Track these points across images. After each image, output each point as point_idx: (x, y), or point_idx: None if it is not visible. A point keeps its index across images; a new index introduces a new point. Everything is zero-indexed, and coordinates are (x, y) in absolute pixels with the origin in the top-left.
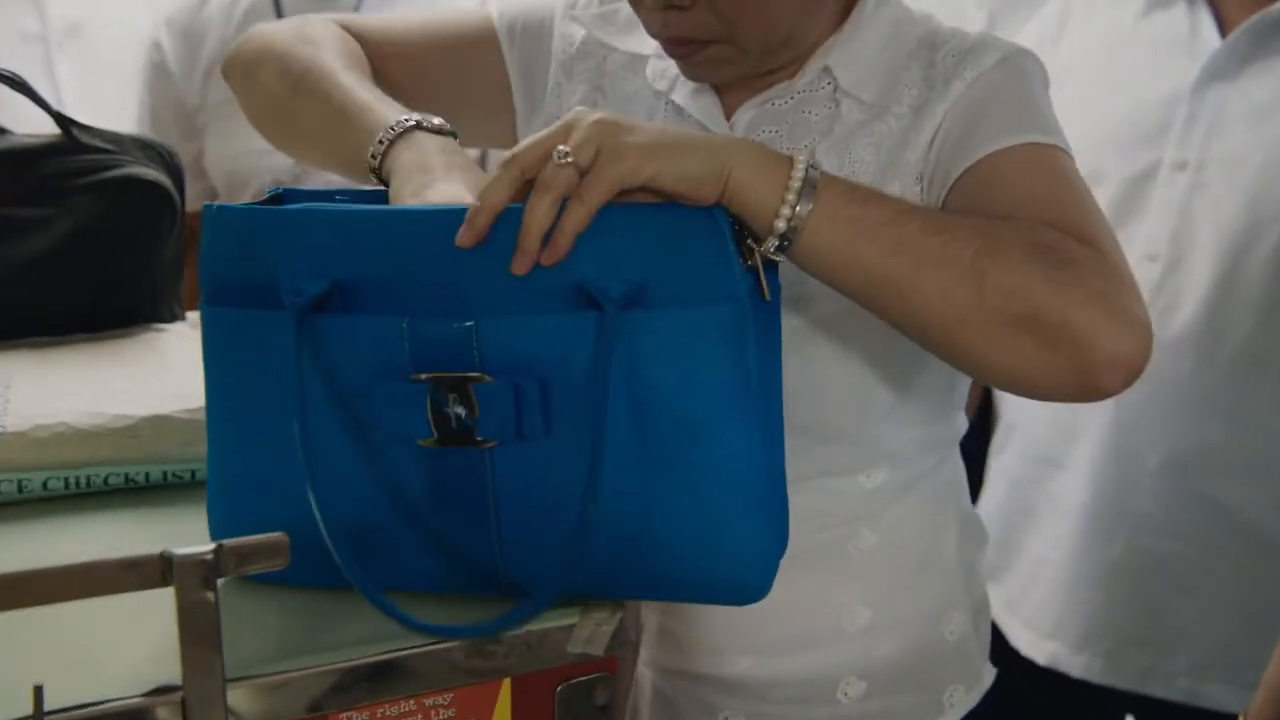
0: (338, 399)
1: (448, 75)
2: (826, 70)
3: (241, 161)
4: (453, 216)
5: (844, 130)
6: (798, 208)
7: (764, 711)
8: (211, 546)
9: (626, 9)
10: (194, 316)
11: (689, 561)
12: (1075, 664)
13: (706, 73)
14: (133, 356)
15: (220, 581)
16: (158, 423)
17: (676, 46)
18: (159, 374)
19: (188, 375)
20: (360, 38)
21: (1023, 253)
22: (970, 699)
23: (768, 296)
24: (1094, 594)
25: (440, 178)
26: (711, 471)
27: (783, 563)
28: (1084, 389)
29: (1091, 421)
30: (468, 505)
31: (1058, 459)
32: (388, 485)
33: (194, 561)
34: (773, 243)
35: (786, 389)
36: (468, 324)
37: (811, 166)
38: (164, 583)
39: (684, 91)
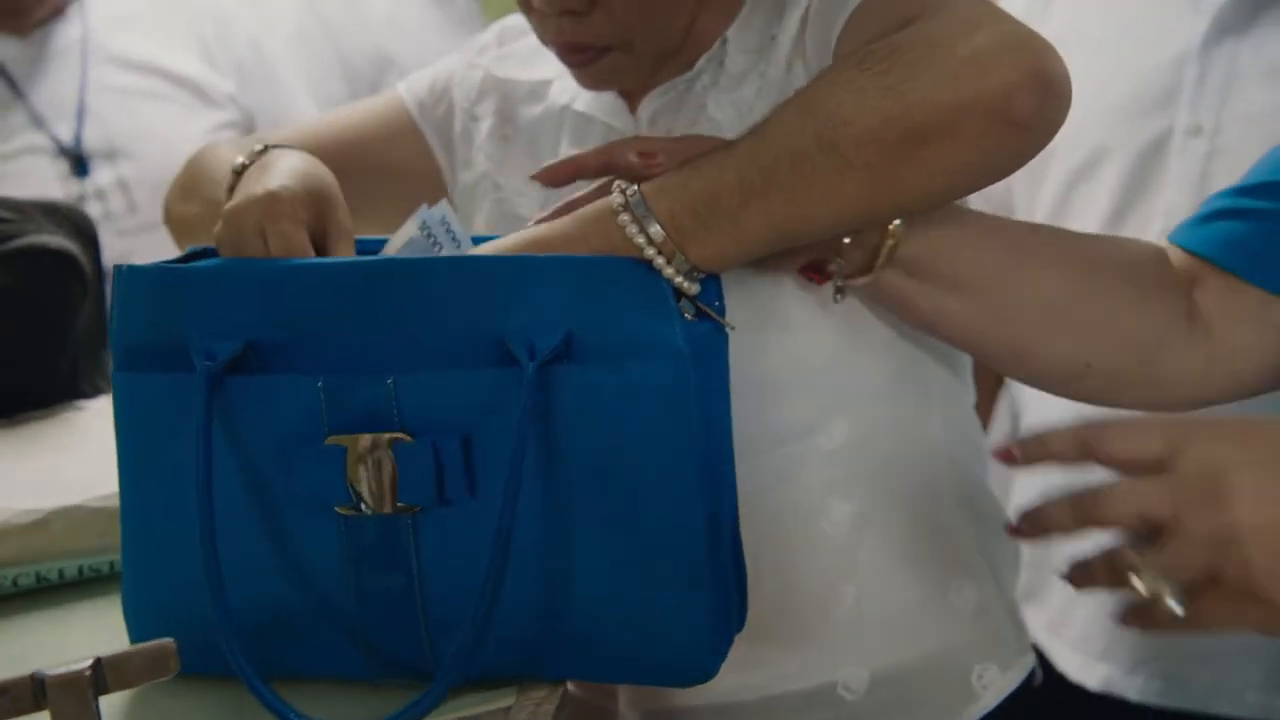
0: (251, 467)
1: (372, 165)
2: (719, 59)
3: None
4: (371, 269)
5: (729, 79)
6: (651, 234)
7: None
8: (88, 662)
9: (529, 41)
10: None
11: (626, 638)
12: (1132, 686)
13: (603, 80)
14: (46, 441)
15: (114, 695)
16: (69, 514)
17: (572, 54)
18: (74, 459)
19: (106, 458)
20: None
21: (850, 91)
22: (1009, 680)
23: (730, 324)
24: None
25: (271, 165)
26: (650, 538)
27: (748, 555)
28: (1013, 133)
29: (1129, 418)
30: (390, 579)
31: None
32: (305, 561)
33: (69, 681)
34: (685, 284)
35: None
36: (387, 381)
37: (625, 192)
38: (36, 707)
39: (586, 99)
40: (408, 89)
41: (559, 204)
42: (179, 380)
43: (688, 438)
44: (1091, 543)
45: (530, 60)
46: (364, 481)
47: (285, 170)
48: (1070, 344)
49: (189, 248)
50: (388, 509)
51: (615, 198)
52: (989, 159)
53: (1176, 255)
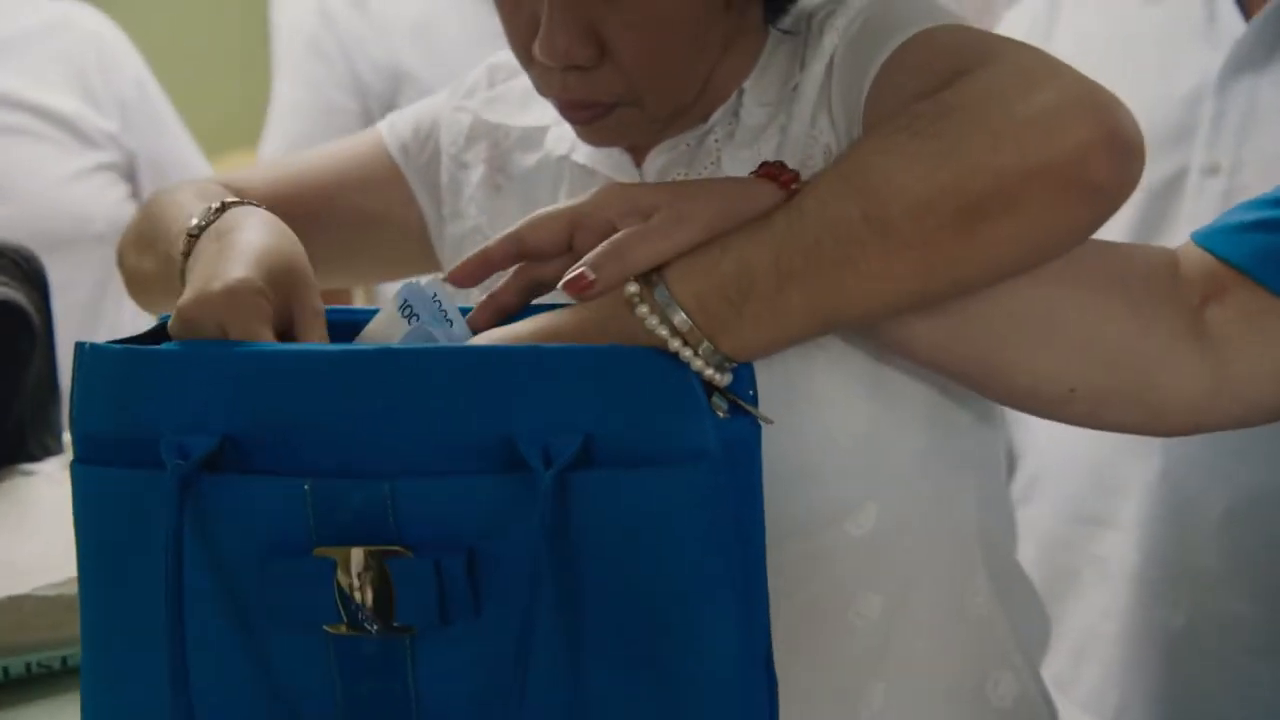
0: (227, 579)
1: (350, 213)
2: (734, 110)
3: None
4: (366, 358)
5: (746, 133)
6: (676, 324)
7: None
8: None
9: (520, 84)
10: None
11: None
12: None
13: (609, 137)
14: None
15: None
16: (16, 605)
17: (576, 111)
18: (21, 535)
19: (58, 534)
20: (243, 192)
21: (900, 158)
22: None
23: (768, 419)
24: (1159, 668)
25: (229, 242)
26: (676, 671)
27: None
28: (1086, 200)
29: (1137, 472)
30: (383, 707)
31: (1100, 516)
32: (287, 685)
33: None
34: (716, 376)
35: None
36: (382, 487)
37: (643, 280)
38: None
39: (586, 150)
40: (390, 130)
41: (485, 297)
42: (147, 477)
43: (721, 554)
44: (1111, 603)
45: (524, 103)
46: (356, 599)
47: (245, 251)
48: (1050, 363)
49: (160, 316)
50: (383, 630)
51: (630, 287)
52: (1059, 230)
53: (1197, 260)
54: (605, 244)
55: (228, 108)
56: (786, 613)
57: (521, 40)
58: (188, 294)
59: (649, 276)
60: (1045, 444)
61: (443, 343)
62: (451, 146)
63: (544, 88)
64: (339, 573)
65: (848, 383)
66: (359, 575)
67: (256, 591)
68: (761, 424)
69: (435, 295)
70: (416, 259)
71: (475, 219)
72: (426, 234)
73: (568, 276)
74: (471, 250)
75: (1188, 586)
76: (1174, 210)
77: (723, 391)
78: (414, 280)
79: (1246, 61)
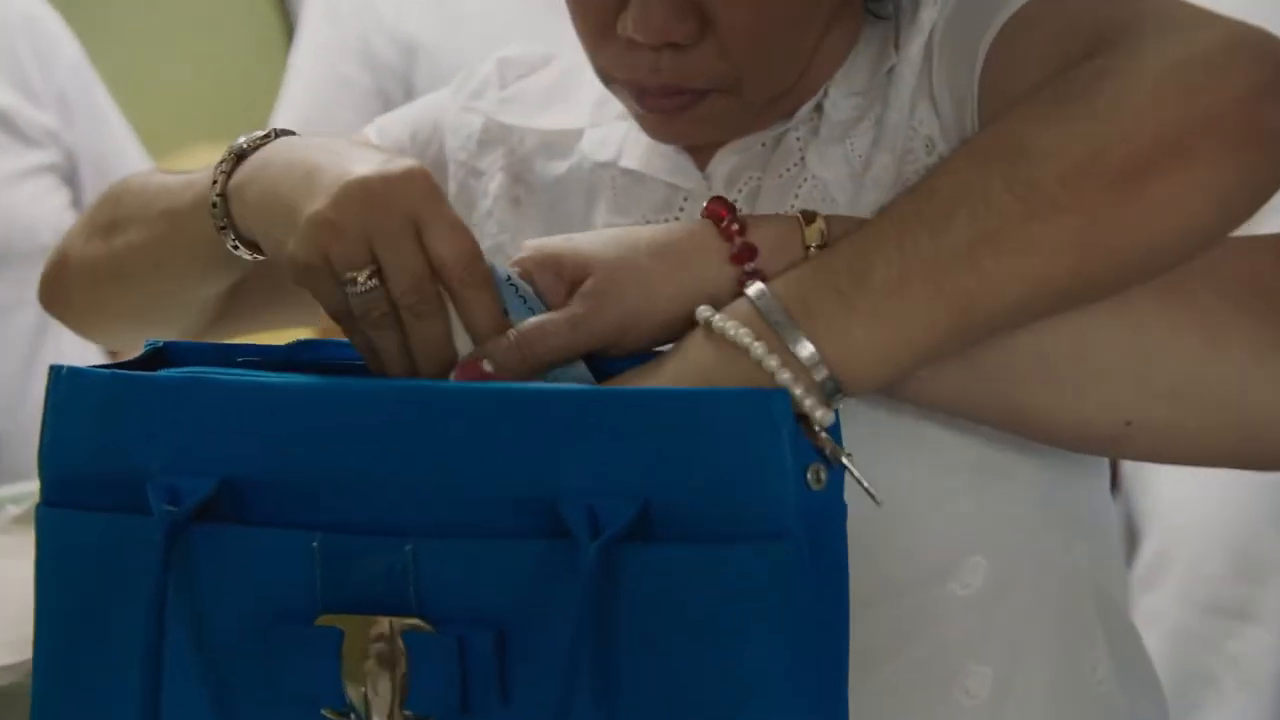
0: (214, 647)
1: None
2: (818, 105)
3: None
4: (392, 395)
5: (833, 128)
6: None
7: None
8: None
9: (542, 81)
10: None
11: None
12: None
13: (694, 131)
14: None
15: None
16: None
17: (664, 98)
18: None
19: None
20: None
21: (1045, 123)
22: None
23: (879, 499)
24: None
25: (350, 148)
26: None
27: None
28: (1263, 150)
29: None
30: None
31: (1241, 607)
32: None
33: None
34: (819, 410)
35: None
36: (403, 546)
37: (761, 299)
38: None
39: (636, 153)
40: (380, 135)
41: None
42: (128, 524)
43: (794, 648)
44: (1253, 711)
45: (545, 104)
46: (366, 680)
47: (372, 148)
48: (1095, 401)
49: (148, 342)
50: (394, 718)
51: (717, 319)
52: (1233, 185)
53: None
54: (511, 332)
55: (178, 99)
56: (877, 688)
57: (597, 17)
58: (328, 196)
59: (750, 292)
60: (1173, 517)
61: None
62: (460, 152)
63: (629, 70)
64: (345, 646)
65: (948, 420)
66: (369, 650)
67: (247, 664)
68: (877, 501)
69: (510, 278)
70: None
71: (496, 237)
72: None
73: (461, 362)
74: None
75: None
76: None
77: (822, 445)
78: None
79: None
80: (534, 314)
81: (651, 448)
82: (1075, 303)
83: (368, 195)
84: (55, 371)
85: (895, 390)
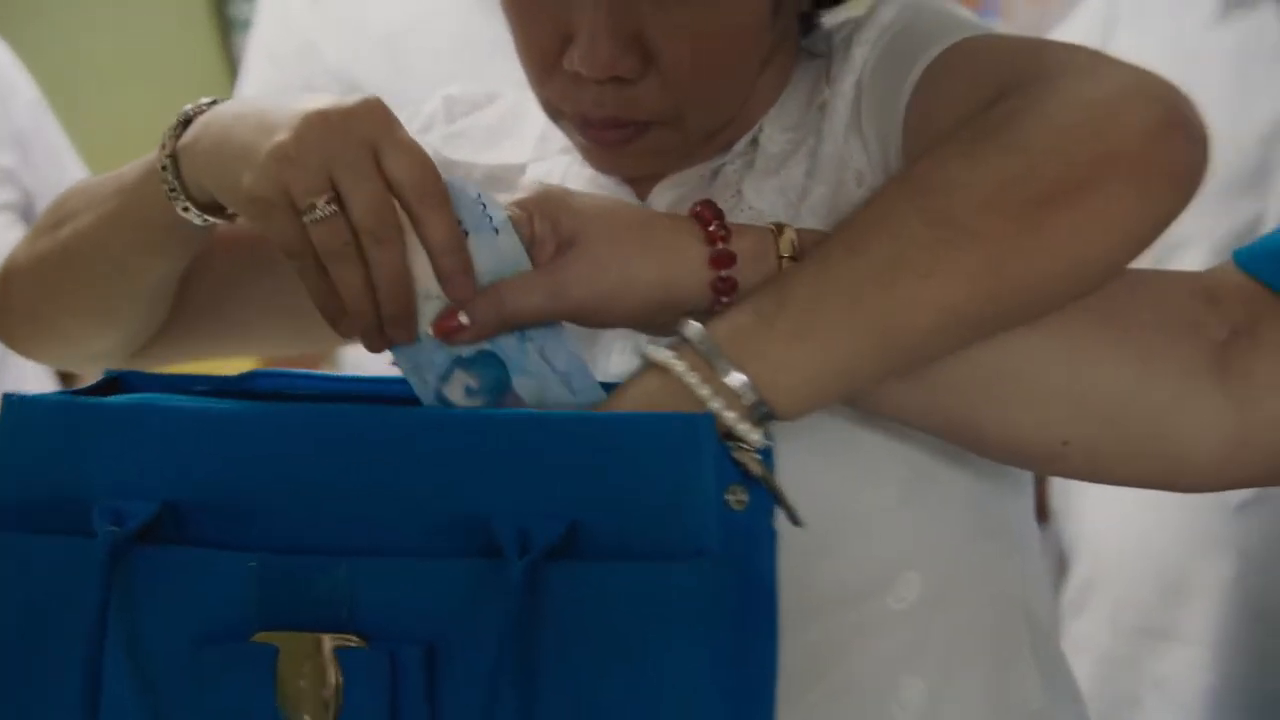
0: (152, 666)
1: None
2: (754, 138)
3: None
4: (330, 420)
5: (769, 160)
6: (730, 382)
7: None
8: None
9: (486, 118)
10: None
11: None
12: None
13: (636, 164)
14: None
15: None
16: None
17: (608, 131)
18: None
19: None
20: None
21: (962, 156)
22: None
23: (800, 520)
24: None
25: (298, 97)
26: None
27: None
28: (1161, 187)
29: (1207, 574)
30: None
31: (1165, 628)
32: None
33: None
34: (749, 431)
35: None
36: (339, 566)
37: (693, 333)
38: None
39: (578, 185)
40: None
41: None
42: (72, 547)
43: (716, 664)
44: None
45: (490, 140)
46: (300, 695)
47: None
48: (1034, 419)
49: (107, 372)
50: None
51: (653, 350)
52: (1134, 218)
53: (1234, 284)
54: (489, 288)
55: (123, 140)
56: (813, 704)
57: (543, 52)
58: (286, 129)
59: (687, 331)
60: (1100, 544)
61: (482, 254)
62: None
63: (574, 104)
64: (281, 662)
65: (887, 433)
66: (303, 666)
67: (185, 682)
68: (801, 524)
69: (479, 196)
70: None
71: None
72: None
73: (440, 314)
74: (432, 312)
75: (1273, 711)
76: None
77: (750, 468)
78: (456, 176)
79: None
80: (498, 237)
81: (581, 470)
82: (991, 329)
83: (326, 125)
84: (8, 399)
85: (862, 408)
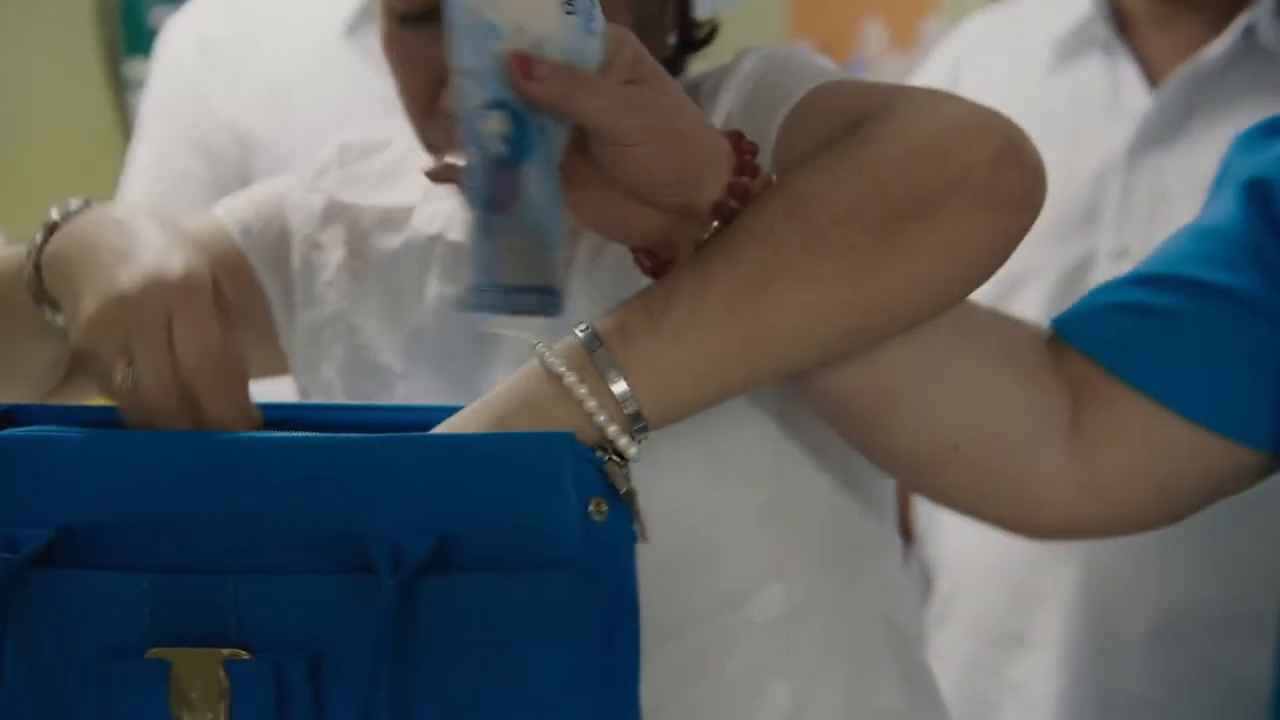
0: (50, 687)
1: None
2: None
3: None
4: (214, 447)
5: None
6: (600, 398)
7: None
8: None
9: (380, 161)
10: None
11: None
12: None
13: None
14: None
15: None
16: None
17: None
18: None
19: None
20: None
21: (824, 171)
22: None
23: (645, 536)
24: None
25: (141, 233)
26: None
27: None
28: (1002, 210)
29: (1055, 585)
30: None
31: (1018, 635)
32: None
33: None
34: (629, 447)
35: None
36: (226, 584)
37: (584, 333)
38: None
39: (462, 230)
40: (229, 213)
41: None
42: None
43: (581, 668)
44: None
45: (381, 184)
46: (193, 708)
47: (173, 235)
48: (938, 416)
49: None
50: None
51: (541, 348)
52: (976, 241)
53: (1061, 347)
54: (566, 68)
55: (16, 197)
56: (682, 711)
57: (422, 96)
58: (101, 280)
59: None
60: (959, 561)
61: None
62: (304, 227)
63: (445, 142)
64: (173, 677)
65: (754, 453)
66: (194, 679)
67: (82, 702)
68: (638, 537)
69: None
70: (251, 352)
71: (335, 304)
72: (269, 324)
73: (517, 51)
74: (332, 339)
75: (1117, 712)
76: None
77: (614, 479)
78: None
79: (1154, 137)
80: (589, 38)
81: (449, 488)
82: (853, 339)
83: (122, 305)
84: None
85: (789, 389)
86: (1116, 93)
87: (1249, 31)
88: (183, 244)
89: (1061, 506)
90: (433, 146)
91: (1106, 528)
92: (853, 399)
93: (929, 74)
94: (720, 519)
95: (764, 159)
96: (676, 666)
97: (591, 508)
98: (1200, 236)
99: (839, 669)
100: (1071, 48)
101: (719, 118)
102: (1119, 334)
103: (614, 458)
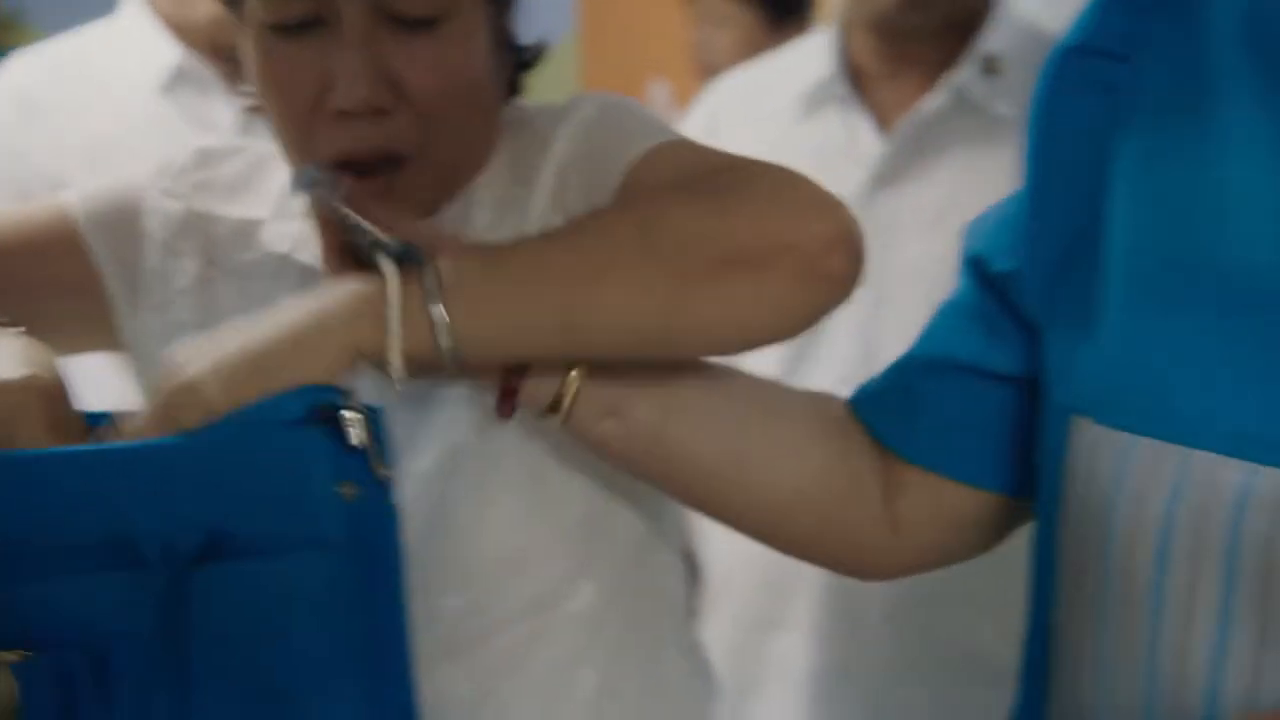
0: None
1: (18, 276)
2: (466, 207)
3: None
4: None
5: (475, 234)
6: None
7: None
8: None
9: (232, 168)
10: None
11: None
12: None
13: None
14: None
15: None
16: None
17: (370, 180)
18: None
19: None
20: None
21: (680, 201)
22: None
23: (388, 472)
24: None
25: None
26: None
27: None
28: (823, 283)
29: (806, 574)
30: None
31: (776, 618)
32: None
33: None
34: (360, 434)
35: (451, 521)
36: (14, 588)
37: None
38: None
39: (311, 249)
40: (83, 200)
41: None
42: None
43: (344, 642)
44: (792, 704)
45: (236, 193)
46: None
47: (16, 351)
48: (781, 462)
49: None
50: None
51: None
52: (793, 304)
53: (857, 422)
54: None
55: None
56: (503, 700)
57: (304, 98)
58: None
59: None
60: (723, 556)
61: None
62: (161, 231)
63: (335, 144)
64: None
65: (570, 461)
66: None
67: None
68: (379, 479)
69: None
70: (85, 338)
71: (186, 315)
72: (107, 313)
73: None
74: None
75: (862, 682)
76: (827, 321)
77: (373, 464)
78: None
79: (885, 178)
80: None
81: (215, 484)
82: (657, 349)
83: None
84: None
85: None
86: (853, 140)
87: (961, 89)
88: (17, 356)
89: (880, 549)
90: (316, 152)
91: (919, 566)
92: (700, 468)
93: (691, 127)
94: (538, 531)
95: (605, 202)
96: (497, 661)
97: (343, 490)
98: (942, 313)
99: (636, 654)
100: (814, 101)
101: (553, 161)
102: (892, 414)
103: (349, 413)
